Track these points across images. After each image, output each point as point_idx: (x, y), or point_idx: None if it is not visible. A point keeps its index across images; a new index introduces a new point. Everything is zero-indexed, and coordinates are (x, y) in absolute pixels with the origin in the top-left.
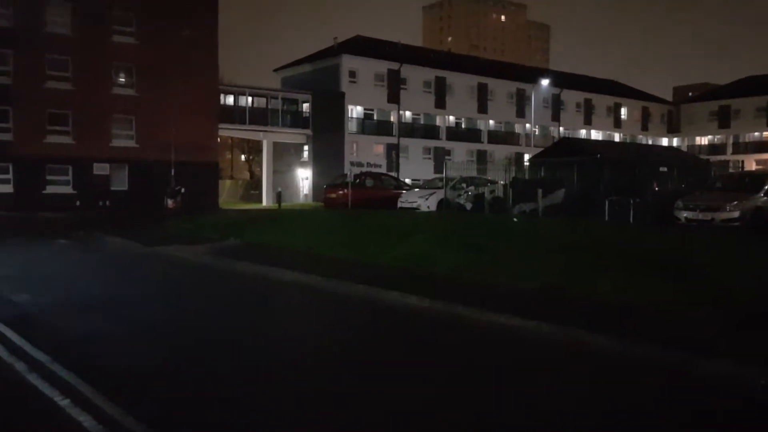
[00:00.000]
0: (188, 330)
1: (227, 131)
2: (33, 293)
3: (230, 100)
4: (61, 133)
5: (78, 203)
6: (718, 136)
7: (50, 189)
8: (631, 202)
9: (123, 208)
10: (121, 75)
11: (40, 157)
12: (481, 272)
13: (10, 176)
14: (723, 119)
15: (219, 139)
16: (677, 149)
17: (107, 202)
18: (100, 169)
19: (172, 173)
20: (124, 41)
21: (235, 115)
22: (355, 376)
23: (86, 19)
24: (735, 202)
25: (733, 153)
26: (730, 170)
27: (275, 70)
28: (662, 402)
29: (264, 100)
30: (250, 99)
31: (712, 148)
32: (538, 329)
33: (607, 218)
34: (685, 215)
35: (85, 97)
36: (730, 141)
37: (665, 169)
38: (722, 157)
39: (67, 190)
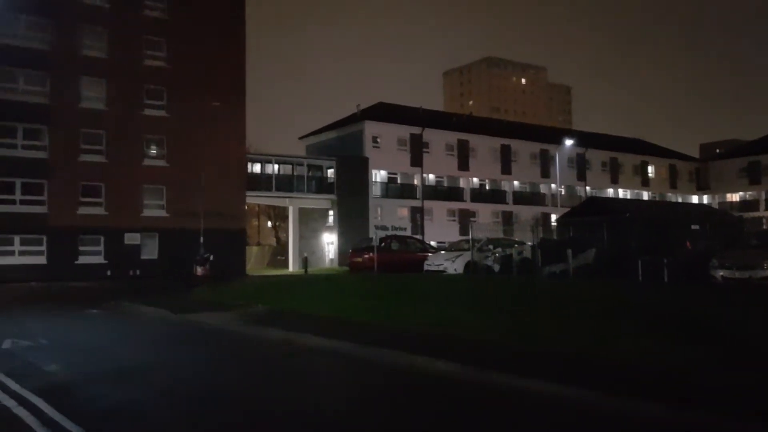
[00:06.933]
0: (220, 399)
1: (254, 198)
2: (65, 363)
3: (257, 167)
4: (94, 205)
5: (109, 273)
6: (750, 193)
7: (82, 259)
8: (664, 261)
9: (153, 277)
10: (152, 147)
11: (73, 229)
12: (512, 336)
13: (44, 248)
14: (753, 175)
15: (246, 207)
16: (708, 207)
17: (138, 271)
18: (131, 238)
19: (201, 241)
20: (156, 114)
21: (261, 182)
22: None
23: (119, 93)
24: None
25: (767, 209)
26: (765, 227)
27: (300, 138)
28: None
29: (290, 167)
30: (276, 166)
31: (744, 205)
32: (577, 396)
33: (640, 278)
34: (721, 274)
35: (118, 169)
36: (763, 197)
37: (697, 227)
38: (755, 214)
39: (99, 260)
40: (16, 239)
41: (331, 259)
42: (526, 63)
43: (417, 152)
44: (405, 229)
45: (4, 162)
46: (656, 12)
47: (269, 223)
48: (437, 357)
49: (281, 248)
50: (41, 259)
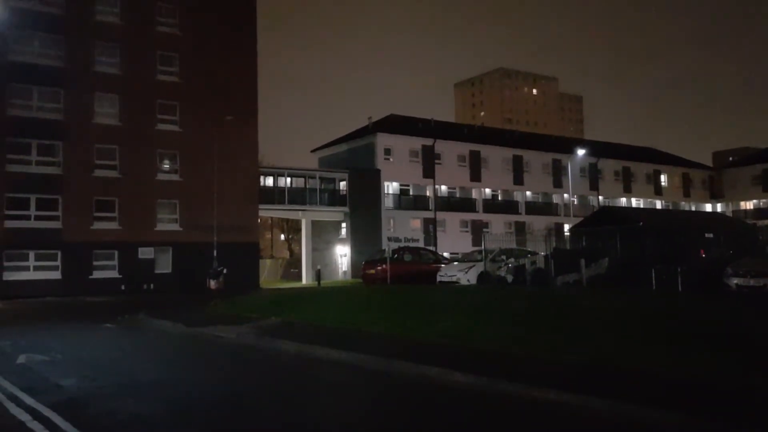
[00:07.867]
0: (234, 413)
1: (267, 211)
2: (79, 377)
3: (270, 181)
4: (108, 219)
5: (123, 287)
6: (764, 200)
7: (97, 274)
8: (678, 270)
9: (167, 291)
10: (166, 161)
11: (87, 244)
12: (524, 347)
13: (58, 263)
14: (767, 183)
15: (259, 220)
16: (722, 215)
17: (151, 285)
18: (145, 253)
19: (215, 255)
20: (168, 129)
21: (274, 195)
22: None
23: (132, 109)
24: None
25: None
26: None
27: (312, 151)
28: None
29: (302, 179)
30: (288, 179)
31: (759, 213)
32: (587, 405)
33: (654, 287)
34: (735, 282)
35: (131, 184)
36: None
37: (711, 235)
38: None
39: (113, 274)
40: (31, 255)
41: (344, 272)
42: (538, 73)
43: (429, 164)
44: (418, 240)
45: (19, 178)
46: (667, 21)
47: (282, 236)
48: (453, 368)
49: (294, 261)
50: (56, 275)
